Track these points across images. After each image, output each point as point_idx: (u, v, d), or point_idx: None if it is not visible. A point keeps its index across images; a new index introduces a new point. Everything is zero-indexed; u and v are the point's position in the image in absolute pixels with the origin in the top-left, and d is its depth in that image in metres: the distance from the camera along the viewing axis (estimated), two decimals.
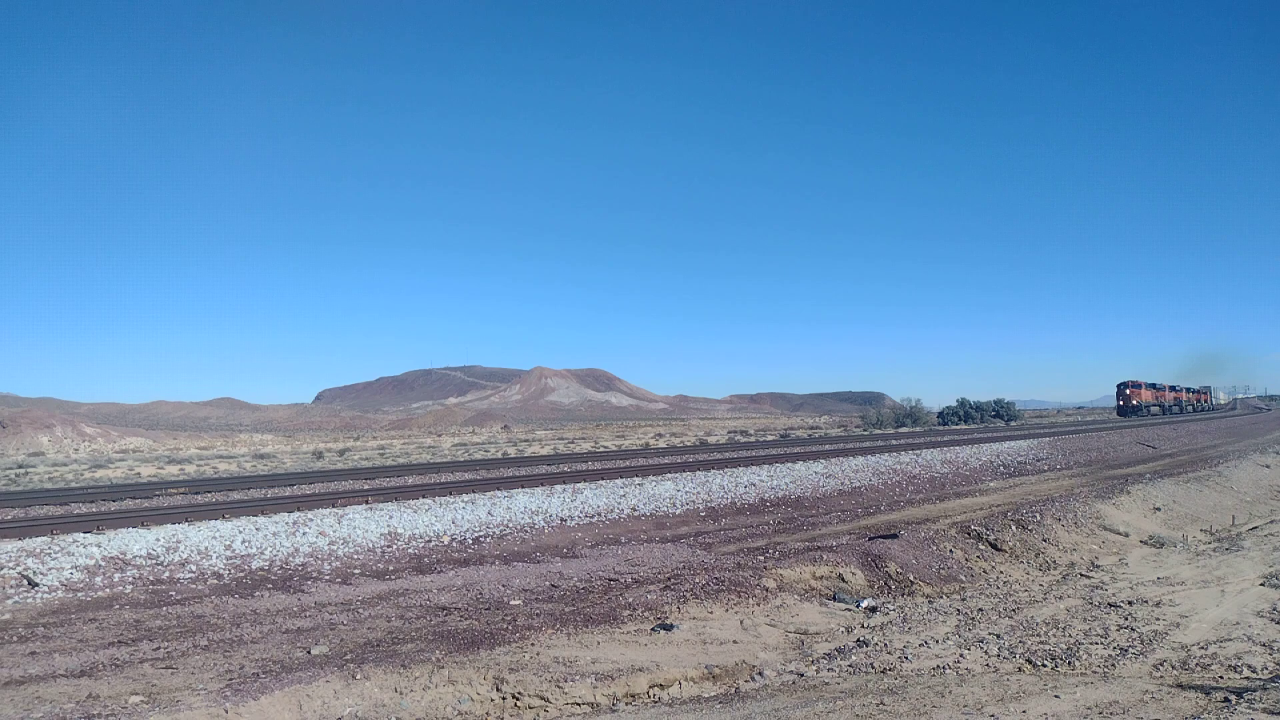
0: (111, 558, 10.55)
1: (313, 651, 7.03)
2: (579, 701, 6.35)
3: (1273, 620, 7.57)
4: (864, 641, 7.75)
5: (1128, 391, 77.78)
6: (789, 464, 22.44)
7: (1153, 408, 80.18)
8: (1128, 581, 10.14)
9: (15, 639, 7.55)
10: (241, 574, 10.30)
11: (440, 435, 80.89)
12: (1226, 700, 5.28)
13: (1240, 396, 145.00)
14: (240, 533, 12.12)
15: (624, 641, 7.53)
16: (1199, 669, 6.29)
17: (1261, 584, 9.15)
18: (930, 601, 9.75)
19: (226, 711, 5.57)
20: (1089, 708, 5.33)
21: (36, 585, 9.41)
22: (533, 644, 7.24)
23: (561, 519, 14.24)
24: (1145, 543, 13.89)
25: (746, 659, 7.37)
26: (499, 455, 35.97)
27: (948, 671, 6.61)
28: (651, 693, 6.61)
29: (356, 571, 10.56)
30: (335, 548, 11.67)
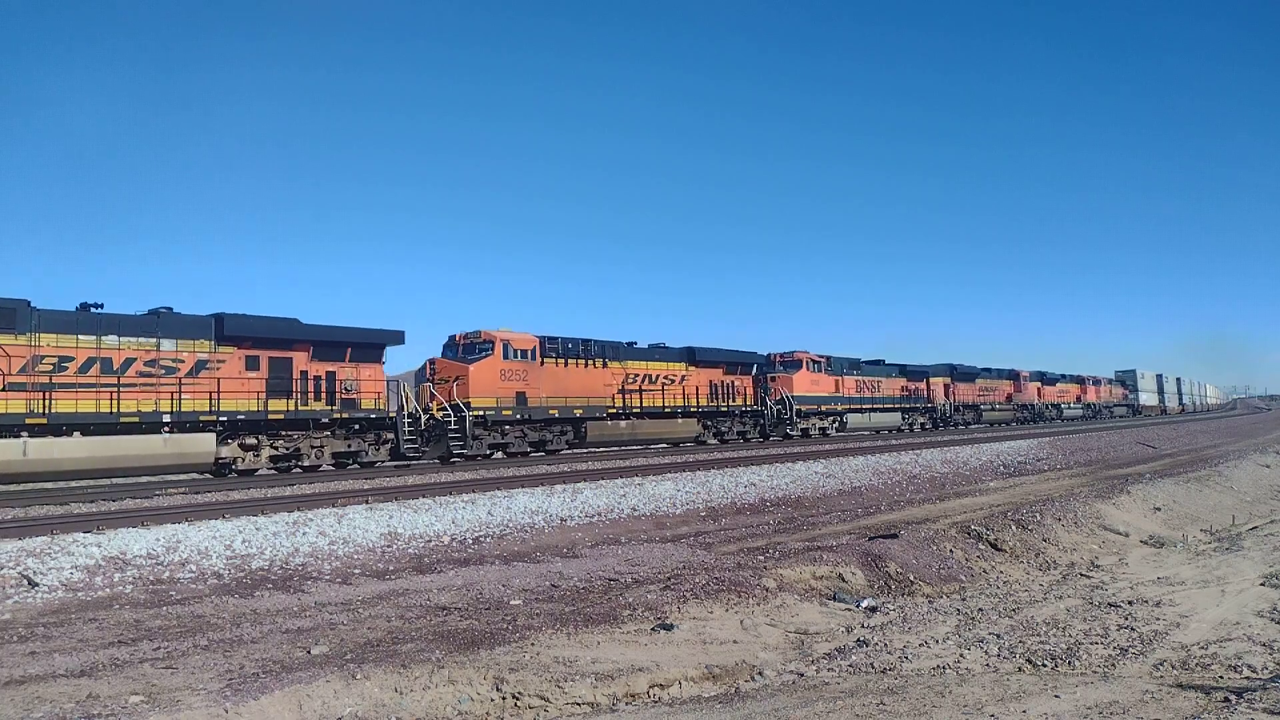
0: (111, 558, 10.55)
1: (313, 651, 7.03)
2: (579, 701, 6.36)
3: (1273, 620, 7.58)
4: (864, 641, 7.75)
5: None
6: (789, 464, 22.44)
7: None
8: (1128, 581, 10.15)
9: (15, 639, 7.55)
10: (241, 574, 10.30)
11: None
12: (1226, 700, 5.28)
13: (1240, 396, 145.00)
14: (240, 532, 12.11)
15: (624, 641, 7.54)
16: (1199, 669, 6.30)
17: (1261, 584, 9.16)
18: (930, 601, 9.75)
19: (226, 711, 5.57)
20: (1089, 707, 5.33)
21: (36, 585, 9.41)
22: (533, 644, 7.25)
23: (561, 519, 14.24)
24: (1145, 543, 13.90)
25: (746, 659, 7.38)
26: None
27: (948, 671, 6.61)
28: (651, 692, 6.61)
29: (356, 571, 10.56)
30: (335, 548, 11.67)
